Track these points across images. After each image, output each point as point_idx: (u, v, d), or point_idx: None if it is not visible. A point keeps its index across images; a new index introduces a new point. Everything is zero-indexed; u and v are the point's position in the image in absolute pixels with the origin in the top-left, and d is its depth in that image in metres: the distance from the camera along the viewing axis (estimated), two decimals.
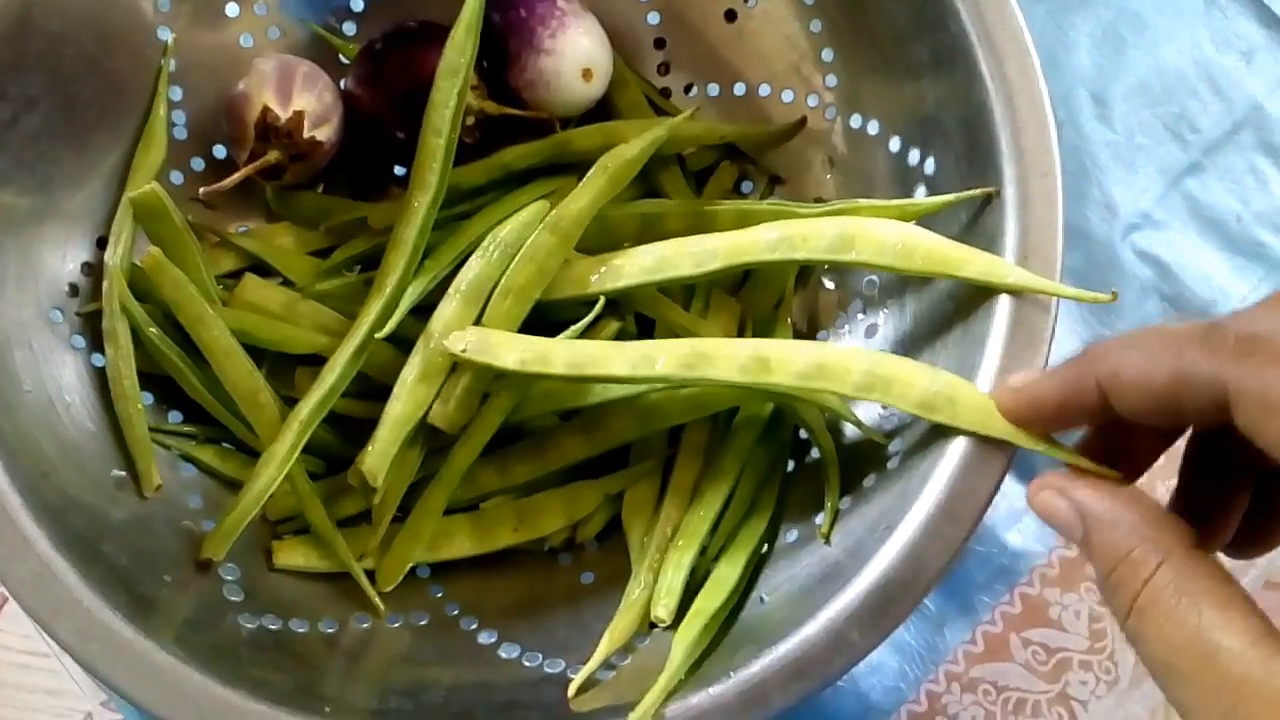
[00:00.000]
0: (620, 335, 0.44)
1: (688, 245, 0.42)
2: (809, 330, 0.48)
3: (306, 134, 0.44)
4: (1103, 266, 0.55)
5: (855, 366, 0.36)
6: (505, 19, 0.46)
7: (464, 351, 0.39)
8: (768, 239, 0.41)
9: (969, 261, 0.37)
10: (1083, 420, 0.30)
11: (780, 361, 0.37)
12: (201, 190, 0.44)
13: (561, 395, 0.42)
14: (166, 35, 0.45)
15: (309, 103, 0.45)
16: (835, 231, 0.40)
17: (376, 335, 0.41)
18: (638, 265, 0.43)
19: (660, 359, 0.38)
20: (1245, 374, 0.24)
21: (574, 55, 0.46)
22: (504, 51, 0.46)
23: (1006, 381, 0.33)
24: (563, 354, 0.39)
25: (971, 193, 0.39)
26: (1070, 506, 0.28)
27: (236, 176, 0.43)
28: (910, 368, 0.36)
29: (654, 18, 0.50)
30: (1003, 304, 0.37)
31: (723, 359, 0.38)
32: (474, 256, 0.43)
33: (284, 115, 0.44)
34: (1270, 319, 0.25)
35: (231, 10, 0.47)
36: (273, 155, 0.44)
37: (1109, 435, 0.31)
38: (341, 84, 0.48)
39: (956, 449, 0.36)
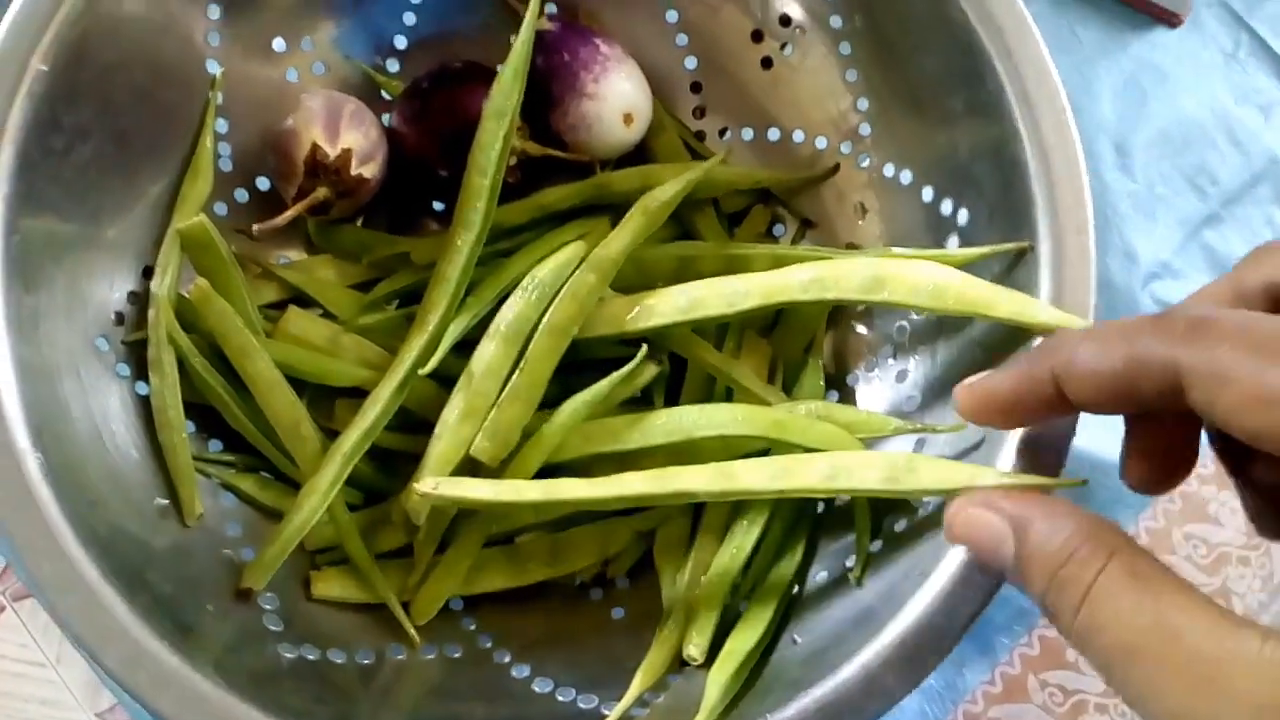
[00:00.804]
0: (656, 378, 0.45)
1: (721, 285, 0.43)
2: (838, 372, 0.49)
3: (354, 171, 0.45)
4: (1123, 314, 0.56)
5: (817, 466, 0.38)
6: (549, 62, 0.47)
7: (435, 490, 0.40)
8: (800, 279, 0.42)
9: (1000, 302, 0.38)
10: (1039, 413, 0.31)
11: (747, 471, 0.39)
12: (255, 228, 0.44)
13: (601, 438, 0.43)
14: (215, 69, 0.46)
15: (356, 140, 0.45)
16: (868, 272, 0.41)
17: (420, 371, 0.42)
18: (671, 305, 0.44)
19: (634, 480, 0.39)
20: (1196, 353, 0.25)
21: (616, 100, 0.47)
22: (547, 94, 0.47)
23: (962, 383, 0.33)
24: (534, 490, 0.40)
25: (1006, 246, 0.40)
26: (1000, 519, 0.28)
27: (289, 214, 0.44)
28: (867, 456, 0.39)
29: (691, 62, 0.51)
30: (1033, 349, 0.37)
31: (688, 476, 0.39)
32: (513, 296, 0.43)
33: (333, 153, 0.45)
34: (1216, 303, 0.27)
35: (279, 45, 0.48)
36: (321, 192, 0.45)
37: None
38: (385, 119, 0.49)
39: None
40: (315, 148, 0.45)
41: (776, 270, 0.43)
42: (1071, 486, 0.35)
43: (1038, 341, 0.38)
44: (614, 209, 0.47)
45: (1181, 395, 0.25)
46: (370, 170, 0.46)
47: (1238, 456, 0.30)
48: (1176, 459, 0.31)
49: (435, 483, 0.40)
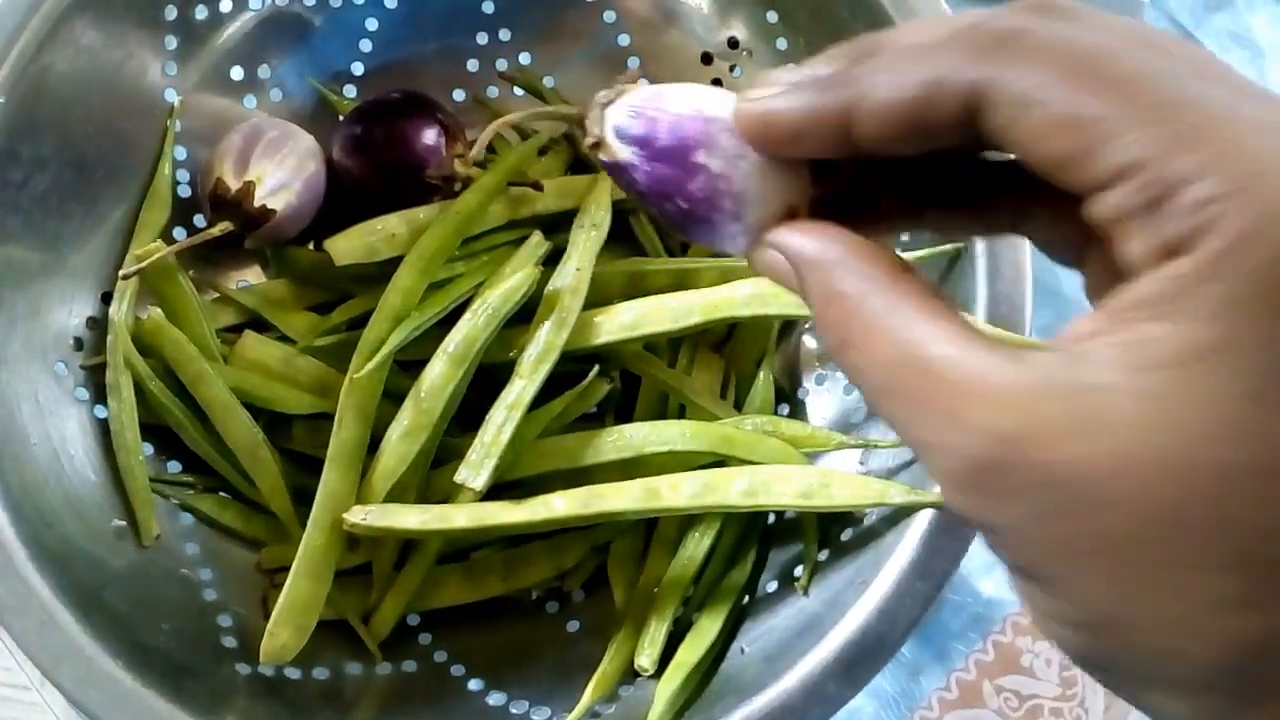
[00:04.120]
0: (608, 395, 0.46)
1: (666, 302, 0.45)
2: (790, 385, 0.49)
3: (257, 203, 0.45)
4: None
5: (737, 482, 0.41)
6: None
7: (364, 520, 0.41)
8: (742, 295, 0.44)
9: None
10: (816, 149, 0.26)
11: (670, 489, 0.41)
12: (121, 272, 0.44)
13: (554, 455, 0.44)
14: (173, 97, 0.47)
15: (266, 170, 0.45)
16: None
17: (353, 377, 0.43)
18: (617, 322, 0.45)
19: (558, 502, 0.41)
20: (999, 70, 0.21)
21: None
22: None
23: (744, 93, 0.27)
24: (461, 516, 0.41)
25: (943, 248, 0.41)
26: (785, 261, 0.25)
27: (171, 249, 0.44)
28: (785, 471, 0.41)
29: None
30: None
31: (615, 495, 0.41)
32: (463, 319, 0.44)
33: (234, 186, 0.45)
34: (1031, 13, 0.22)
35: (237, 74, 0.49)
36: (218, 228, 0.45)
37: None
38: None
39: (929, 510, 0.38)
40: (218, 182, 0.45)
41: (719, 287, 0.44)
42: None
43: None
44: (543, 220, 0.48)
45: (978, 120, 0.22)
46: (281, 200, 0.46)
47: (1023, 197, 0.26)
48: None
49: (364, 513, 0.41)
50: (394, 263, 0.45)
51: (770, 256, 0.25)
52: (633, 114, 0.28)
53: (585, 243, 0.46)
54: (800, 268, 0.24)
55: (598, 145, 0.29)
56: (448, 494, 0.45)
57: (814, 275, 0.24)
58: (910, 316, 0.22)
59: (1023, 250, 0.40)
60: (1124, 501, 0.18)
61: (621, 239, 0.50)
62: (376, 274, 0.46)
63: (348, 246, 0.45)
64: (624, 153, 0.31)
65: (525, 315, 0.45)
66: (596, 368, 0.44)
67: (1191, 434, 0.18)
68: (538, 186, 0.47)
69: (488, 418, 0.43)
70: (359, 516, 0.40)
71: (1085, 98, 0.20)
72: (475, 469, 0.41)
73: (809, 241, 0.24)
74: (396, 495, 0.43)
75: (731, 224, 0.30)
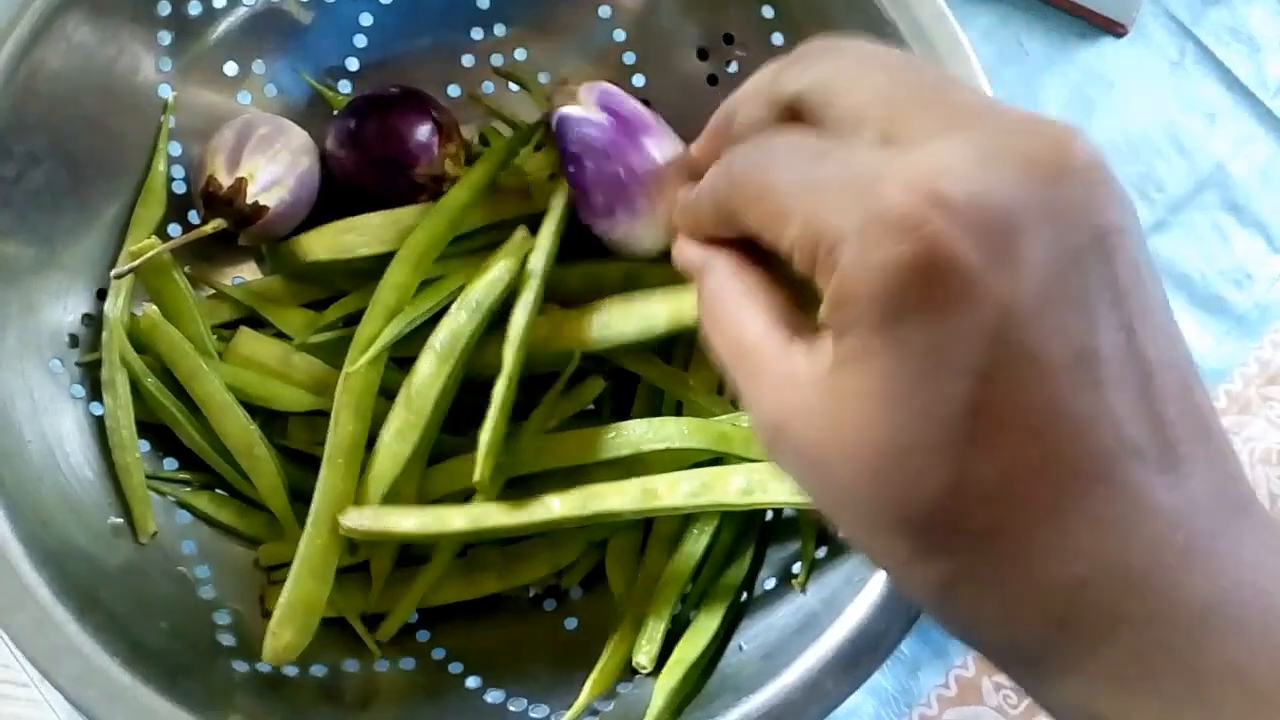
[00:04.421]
0: (605, 393, 0.46)
1: (633, 310, 0.45)
2: None
3: (249, 200, 0.45)
4: None
5: (734, 480, 0.42)
6: (599, 166, 0.42)
7: (361, 524, 0.41)
8: None
9: None
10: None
11: (667, 488, 0.41)
12: (113, 272, 0.44)
13: (550, 454, 0.44)
14: (167, 93, 0.47)
15: (258, 167, 0.45)
16: None
17: (347, 372, 0.43)
18: (584, 330, 0.45)
19: (555, 503, 0.41)
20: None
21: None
22: (587, 193, 0.43)
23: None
24: (459, 518, 0.41)
25: None
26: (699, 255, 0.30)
27: (164, 246, 0.43)
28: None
29: (639, 80, 0.52)
30: None
31: (613, 495, 0.41)
32: (448, 315, 0.44)
33: (226, 183, 0.44)
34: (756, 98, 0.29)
35: (231, 69, 0.49)
36: (211, 226, 0.45)
37: None
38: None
39: None
40: (210, 179, 0.45)
41: (688, 295, 0.44)
42: None
43: None
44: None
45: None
46: (273, 196, 0.45)
47: None
48: None
49: (360, 516, 0.41)
50: (387, 258, 0.45)
51: (685, 251, 0.30)
52: (607, 90, 0.40)
53: (552, 224, 0.45)
54: (691, 271, 0.29)
55: (572, 96, 0.39)
56: (443, 493, 0.45)
57: (697, 276, 0.29)
58: (740, 299, 0.27)
59: None
60: (830, 476, 0.23)
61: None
62: (372, 270, 0.45)
63: (322, 243, 0.45)
64: (592, 108, 0.40)
65: None
66: (574, 360, 0.44)
67: (850, 422, 0.23)
68: (526, 195, 0.47)
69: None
70: (355, 520, 0.40)
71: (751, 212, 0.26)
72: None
73: (696, 251, 0.29)
74: (393, 496, 0.43)
75: (648, 214, 0.40)
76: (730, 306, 0.27)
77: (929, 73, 0.26)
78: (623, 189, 0.41)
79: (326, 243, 0.46)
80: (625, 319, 0.44)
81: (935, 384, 0.21)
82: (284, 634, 0.39)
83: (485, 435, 0.41)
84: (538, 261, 0.44)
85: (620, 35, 0.51)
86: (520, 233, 0.47)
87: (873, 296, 0.22)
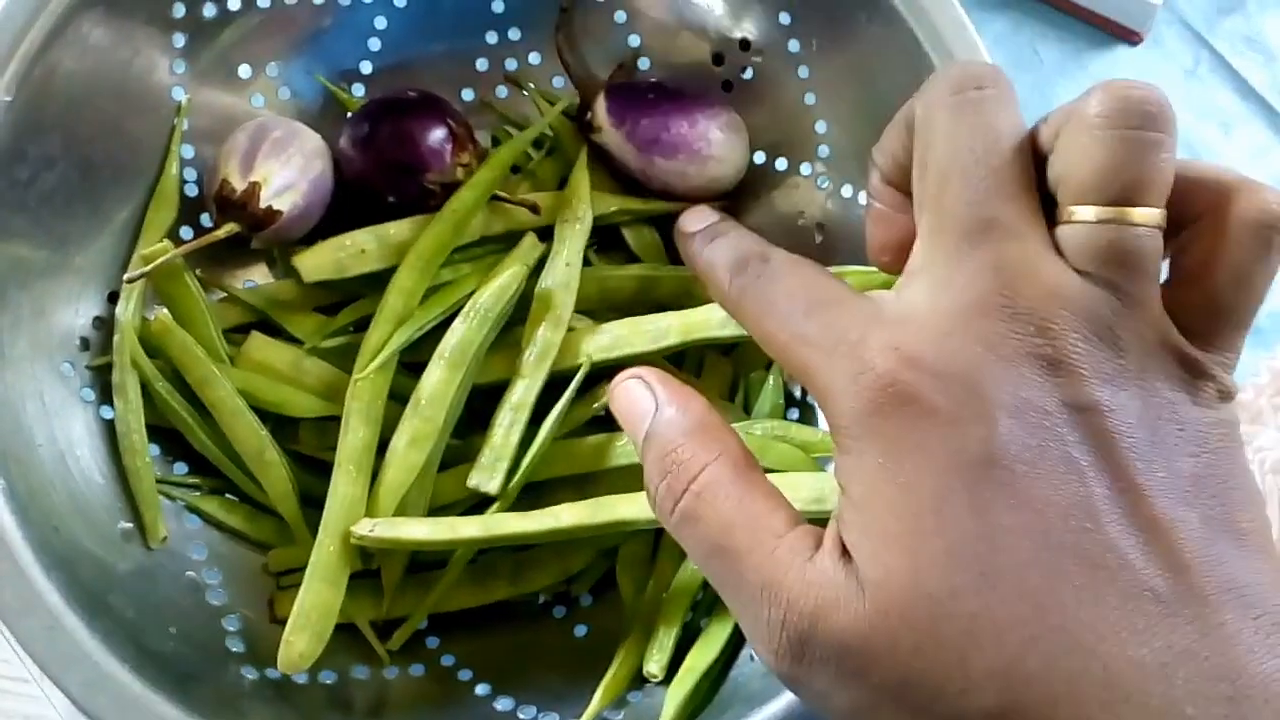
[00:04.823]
0: None
1: (643, 324, 0.45)
2: (802, 391, 0.49)
3: (263, 204, 0.44)
4: None
5: None
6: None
7: (372, 533, 0.40)
8: (719, 316, 0.44)
9: None
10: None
11: None
12: (126, 275, 0.43)
13: (562, 461, 0.44)
14: (181, 96, 0.47)
15: (272, 170, 0.45)
16: None
17: (356, 379, 0.43)
18: (595, 344, 0.45)
19: (566, 512, 0.41)
20: None
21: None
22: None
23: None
24: (471, 526, 0.41)
25: None
26: (649, 394, 0.28)
27: (177, 251, 0.43)
28: (796, 477, 0.41)
29: (645, 64, 0.52)
30: None
31: (625, 504, 0.41)
32: (456, 321, 0.44)
33: (240, 187, 0.44)
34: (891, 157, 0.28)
35: (244, 72, 0.48)
36: (223, 230, 0.44)
37: None
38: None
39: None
40: (224, 184, 0.44)
41: (696, 309, 0.44)
42: None
43: None
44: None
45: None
46: (287, 200, 0.45)
47: None
48: None
49: (371, 525, 0.40)
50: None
51: (636, 388, 0.29)
52: None
53: (572, 237, 0.46)
54: (661, 405, 0.28)
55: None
56: (454, 498, 0.44)
57: (670, 421, 0.27)
58: (754, 489, 0.26)
59: None
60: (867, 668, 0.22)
61: (617, 249, 0.50)
62: (384, 274, 0.45)
63: (315, 263, 0.45)
64: None
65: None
66: (582, 372, 0.44)
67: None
68: (535, 209, 0.47)
69: (494, 421, 0.43)
70: (367, 529, 0.40)
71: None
72: (488, 473, 0.41)
73: (676, 389, 0.28)
74: (406, 504, 0.43)
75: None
76: (745, 496, 0.26)
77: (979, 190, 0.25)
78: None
79: (322, 262, 0.45)
80: (637, 334, 0.44)
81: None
82: (298, 642, 0.39)
83: (504, 447, 0.41)
84: (560, 277, 0.45)
85: (635, 41, 0.51)
86: (529, 239, 0.47)
87: (858, 409, 0.23)
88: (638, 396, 0.28)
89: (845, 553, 0.24)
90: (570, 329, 0.45)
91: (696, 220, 0.32)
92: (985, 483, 0.22)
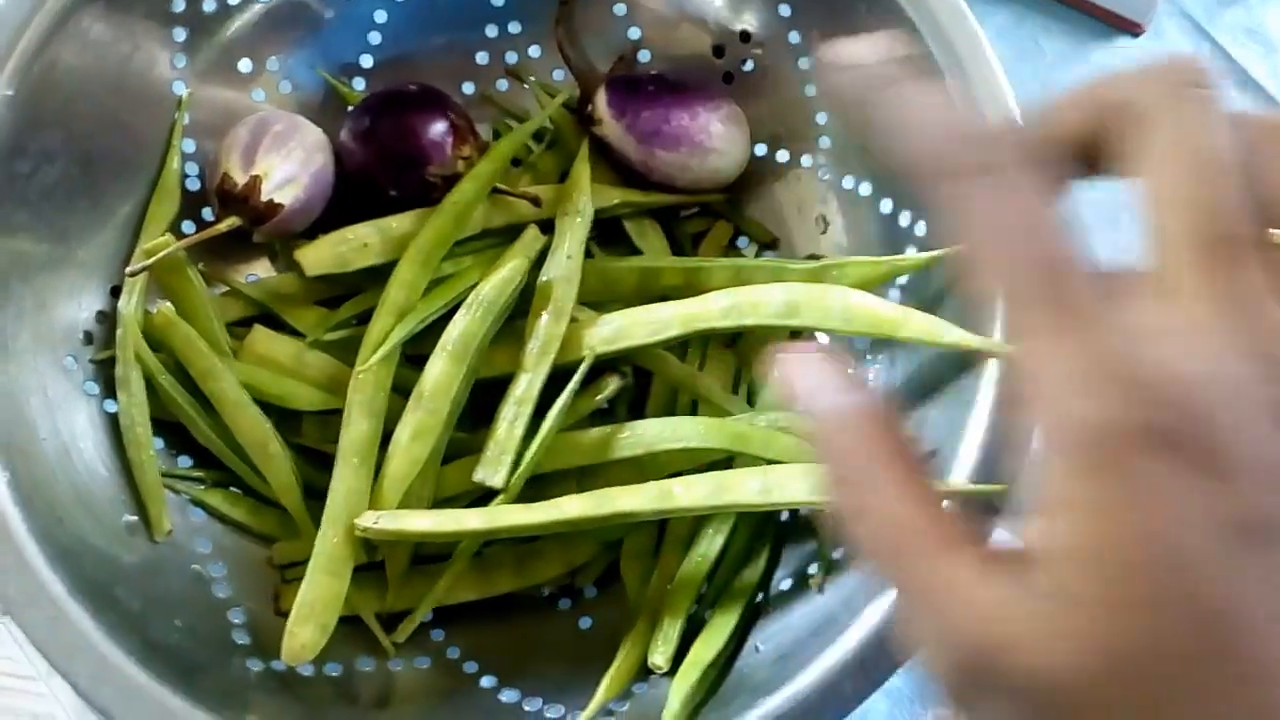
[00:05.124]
0: (621, 392, 0.46)
1: (644, 315, 0.45)
2: None
3: (264, 197, 0.44)
4: None
5: (751, 481, 0.40)
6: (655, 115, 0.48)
7: (376, 524, 0.40)
8: (719, 306, 0.44)
9: (905, 324, 0.41)
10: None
11: (684, 489, 0.41)
12: (128, 269, 0.44)
13: (564, 453, 0.44)
14: (181, 90, 0.47)
15: (273, 164, 0.45)
16: (782, 298, 0.43)
17: (358, 371, 0.43)
18: (597, 336, 0.45)
19: (570, 504, 0.41)
20: None
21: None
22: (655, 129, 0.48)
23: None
24: (474, 518, 0.41)
25: (956, 248, 0.41)
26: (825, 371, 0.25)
27: (180, 244, 0.43)
28: (799, 470, 0.41)
29: (645, 57, 0.52)
30: (991, 361, 0.38)
31: (629, 496, 0.41)
32: (458, 314, 0.44)
33: (241, 181, 0.44)
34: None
35: (245, 66, 0.48)
36: (225, 223, 0.44)
37: None
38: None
39: (948, 505, 0.37)
40: (225, 177, 0.45)
41: (696, 299, 0.44)
42: (991, 493, 0.37)
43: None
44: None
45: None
46: (288, 194, 0.45)
47: None
48: None
49: (375, 517, 0.40)
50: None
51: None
52: None
53: (572, 230, 0.46)
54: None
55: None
56: (457, 491, 0.44)
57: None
58: (926, 487, 0.23)
59: None
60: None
61: (619, 242, 0.50)
62: (385, 267, 0.45)
63: (317, 257, 0.45)
64: None
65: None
66: (585, 363, 0.44)
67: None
68: (536, 202, 0.47)
69: (498, 415, 0.43)
70: (370, 521, 0.40)
71: None
72: (493, 466, 0.41)
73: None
74: (410, 497, 0.43)
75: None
76: (905, 493, 0.23)
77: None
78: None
79: (323, 256, 0.45)
80: (638, 325, 0.44)
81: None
82: (302, 633, 0.39)
83: (508, 441, 0.41)
84: (561, 270, 0.44)
85: (635, 33, 0.51)
86: (531, 231, 0.47)
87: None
88: (814, 371, 0.25)
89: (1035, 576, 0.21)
90: (573, 319, 0.45)
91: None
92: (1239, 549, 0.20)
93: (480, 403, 0.45)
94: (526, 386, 0.44)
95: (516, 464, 0.42)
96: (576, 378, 0.43)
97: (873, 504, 0.23)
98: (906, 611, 0.22)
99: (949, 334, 0.39)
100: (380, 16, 0.50)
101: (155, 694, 0.36)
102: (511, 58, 0.52)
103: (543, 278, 0.45)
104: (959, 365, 0.40)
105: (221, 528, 0.45)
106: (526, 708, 0.42)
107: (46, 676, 0.50)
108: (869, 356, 0.47)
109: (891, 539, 0.22)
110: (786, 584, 0.43)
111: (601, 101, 0.49)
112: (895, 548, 0.22)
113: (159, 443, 0.44)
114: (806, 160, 0.49)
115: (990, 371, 0.38)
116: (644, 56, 0.51)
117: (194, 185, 0.48)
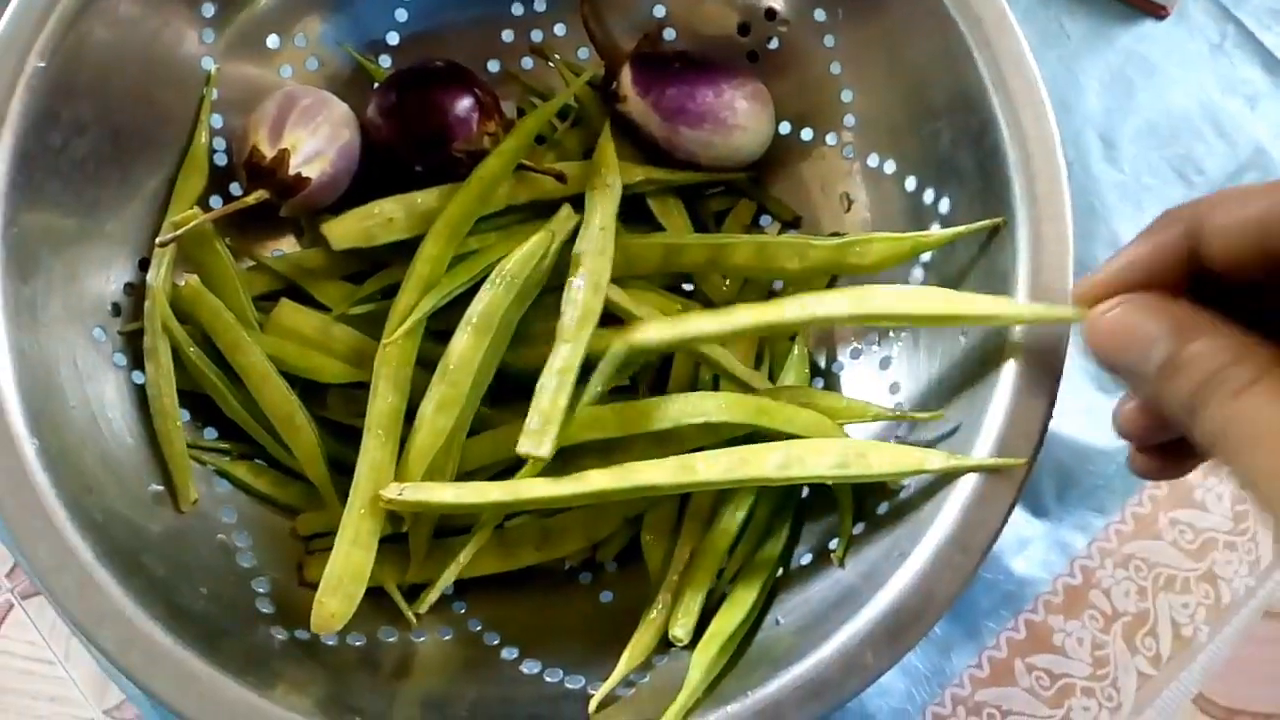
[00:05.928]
0: (643, 368, 0.46)
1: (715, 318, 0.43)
2: (826, 359, 0.49)
3: (292, 171, 0.45)
4: None
5: (772, 455, 0.40)
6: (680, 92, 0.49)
7: (401, 495, 0.41)
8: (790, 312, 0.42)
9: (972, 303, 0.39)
10: (1169, 280, 0.30)
11: (705, 463, 0.40)
12: (158, 239, 0.44)
13: (587, 427, 0.44)
14: (210, 65, 0.47)
15: (300, 138, 0.45)
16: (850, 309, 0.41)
17: (384, 344, 0.43)
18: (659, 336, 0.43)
19: (594, 476, 0.40)
20: None
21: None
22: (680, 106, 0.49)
23: (1085, 280, 0.32)
24: (497, 490, 0.41)
25: (982, 224, 0.41)
26: (1163, 319, 0.28)
27: (208, 216, 0.44)
28: (821, 443, 0.40)
29: (670, 35, 0.52)
30: (1015, 337, 0.38)
31: (651, 470, 0.40)
32: (483, 289, 0.44)
33: (269, 154, 0.45)
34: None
35: (273, 42, 0.49)
36: (253, 196, 0.45)
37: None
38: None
39: (968, 481, 0.37)
40: (254, 150, 0.45)
41: (766, 303, 0.42)
42: (1010, 466, 0.37)
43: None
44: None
45: None
46: (316, 168, 0.46)
47: None
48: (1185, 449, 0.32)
49: (400, 489, 0.41)
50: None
51: (1136, 317, 0.29)
52: None
53: (603, 202, 0.46)
54: (1189, 333, 0.27)
55: None
56: (481, 464, 0.45)
57: (1207, 343, 0.27)
58: None
59: (1064, 222, 0.40)
60: None
61: (642, 219, 0.50)
62: (411, 241, 0.46)
63: (343, 231, 0.45)
64: None
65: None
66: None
67: None
68: (561, 178, 0.47)
69: (539, 385, 0.43)
70: (395, 492, 0.41)
71: None
72: (537, 438, 0.41)
73: (1200, 312, 0.28)
74: (434, 469, 0.43)
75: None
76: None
77: None
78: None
79: (350, 230, 0.46)
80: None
81: None
82: (330, 602, 0.40)
83: (552, 410, 0.41)
84: (594, 243, 0.45)
85: (660, 11, 0.51)
86: (565, 209, 0.47)
87: None
88: (1137, 323, 0.28)
89: None
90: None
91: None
92: None
93: (503, 378, 0.45)
94: (567, 356, 0.43)
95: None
96: (610, 358, 0.43)
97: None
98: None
99: (1015, 310, 0.38)
100: None
101: (180, 658, 0.37)
102: (537, 36, 0.52)
103: (576, 249, 0.45)
104: (980, 339, 0.40)
105: (246, 499, 0.45)
106: (547, 679, 0.42)
107: (64, 660, 0.50)
108: (891, 334, 0.47)
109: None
110: (807, 558, 0.43)
111: (626, 79, 0.49)
112: None
113: (185, 414, 0.44)
114: (831, 138, 0.49)
115: (1014, 344, 0.38)
116: (669, 34, 0.52)
117: (221, 160, 0.48)
